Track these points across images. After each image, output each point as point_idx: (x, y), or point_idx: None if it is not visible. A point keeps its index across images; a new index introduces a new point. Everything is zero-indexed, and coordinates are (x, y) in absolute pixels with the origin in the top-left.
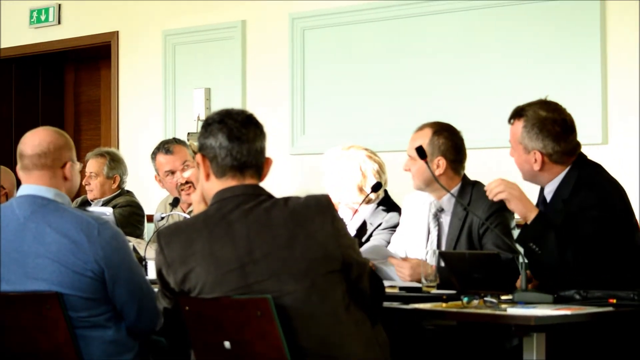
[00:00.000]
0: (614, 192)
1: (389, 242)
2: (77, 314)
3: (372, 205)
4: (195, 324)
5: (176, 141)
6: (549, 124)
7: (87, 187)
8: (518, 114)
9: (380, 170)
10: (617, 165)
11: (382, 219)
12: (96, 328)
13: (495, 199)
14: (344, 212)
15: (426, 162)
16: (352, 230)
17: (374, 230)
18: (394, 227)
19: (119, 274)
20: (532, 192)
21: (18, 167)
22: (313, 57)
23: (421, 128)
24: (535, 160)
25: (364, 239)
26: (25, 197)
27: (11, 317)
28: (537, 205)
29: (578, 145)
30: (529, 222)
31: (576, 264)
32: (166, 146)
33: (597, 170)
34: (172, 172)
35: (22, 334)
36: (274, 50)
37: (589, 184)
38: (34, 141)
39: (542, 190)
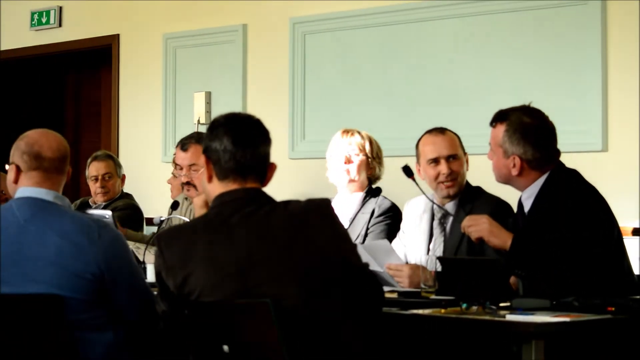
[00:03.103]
0: (593, 199)
1: (385, 235)
2: (75, 317)
3: (360, 195)
4: (194, 328)
5: (197, 140)
6: (532, 131)
7: (101, 190)
8: (501, 117)
9: (381, 153)
10: (618, 173)
11: (374, 205)
12: (94, 331)
13: (473, 237)
14: (340, 198)
15: (413, 180)
16: (344, 220)
17: (370, 218)
18: (387, 213)
19: (120, 276)
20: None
21: (30, 167)
22: (313, 61)
23: (443, 130)
24: (514, 165)
25: (362, 230)
26: (26, 200)
27: (9, 320)
28: (516, 213)
29: (558, 153)
30: (507, 250)
31: (563, 275)
32: (183, 141)
33: (574, 178)
34: (181, 168)
35: (21, 337)
36: (275, 54)
37: (568, 193)
38: (52, 144)
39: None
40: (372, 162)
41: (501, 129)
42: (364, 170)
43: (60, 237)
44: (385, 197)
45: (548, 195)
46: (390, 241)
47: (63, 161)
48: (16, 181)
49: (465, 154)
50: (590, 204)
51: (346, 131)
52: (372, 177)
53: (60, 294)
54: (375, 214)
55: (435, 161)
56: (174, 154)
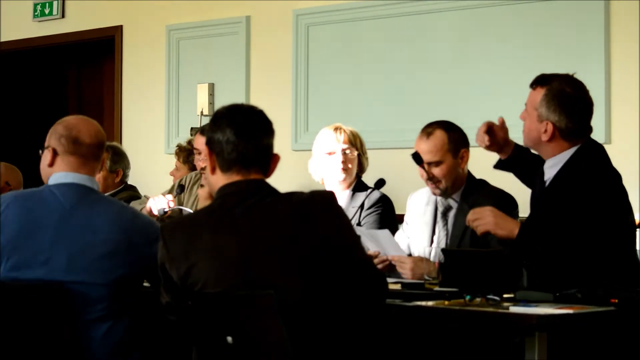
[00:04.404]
0: (614, 184)
1: (379, 225)
2: (97, 307)
3: (348, 192)
4: (197, 319)
5: None
6: (570, 100)
7: None
8: (542, 81)
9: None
10: (620, 165)
11: (364, 197)
12: (108, 321)
13: (479, 231)
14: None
15: (427, 164)
16: None
17: (360, 211)
18: (377, 203)
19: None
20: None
21: (66, 150)
22: (317, 53)
23: (431, 133)
24: (546, 130)
25: (353, 223)
26: (69, 186)
27: (17, 308)
28: (535, 181)
29: (590, 129)
30: (514, 238)
31: (569, 264)
32: (204, 127)
33: (600, 159)
34: (199, 153)
35: (30, 325)
36: (278, 46)
37: (590, 175)
38: (91, 130)
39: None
40: (362, 157)
41: (540, 92)
42: (356, 166)
43: (110, 224)
44: (375, 190)
45: (571, 174)
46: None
47: (99, 148)
48: (51, 164)
49: (462, 150)
50: (610, 189)
51: (336, 128)
52: (360, 172)
53: (99, 282)
54: (366, 205)
55: None
56: (177, 146)
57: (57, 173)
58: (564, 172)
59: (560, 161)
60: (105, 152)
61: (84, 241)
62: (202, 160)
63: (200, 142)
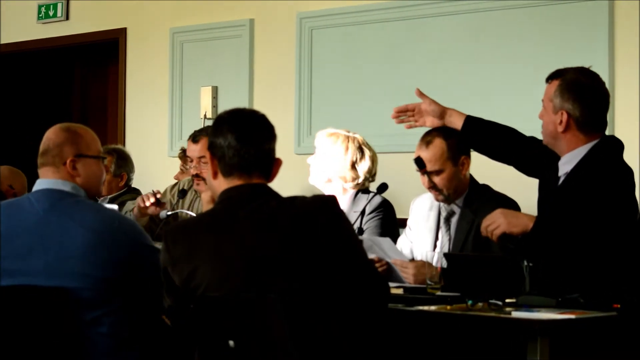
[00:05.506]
0: (625, 187)
1: (380, 230)
2: (90, 311)
3: (351, 193)
4: (199, 323)
5: (208, 133)
6: (585, 90)
7: None
8: (558, 74)
9: (375, 158)
10: None
11: (366, 201)
12: (105, 324)
13: (495, 235)
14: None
15: (427, 173)
16: None
17: (362, 216)
18: (379, 208)
19: (144, 259)
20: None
21: (39, 164)
22: (320, 56)
23: (430, 141)
24: (561, 121)
25: (356, 227)
26: (43, 192)
27: (16, 313)
28: (549, 177)
29: (605, 123)
30: (528, 232)
31: (574, 267)
32: (195, 133)
33: (615, 158)
34: (191, 160)
35: (28, 330)
36: (282, 49)
37: (604, 176)
38: (43, 139)
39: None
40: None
41: (555, 83)
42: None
43: (83, 228)
44: (377, 195)
45: (584, 174)
46: (386, 235)
47: (46, 154)
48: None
49: (462, 157)
50: (621, 192)
51: (332, 134)
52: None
53: (82, 286)
54: (367, 211)
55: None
56: (181, 149)
57: (37, 180)
58: (578, 171)
59: (575, 157)
60: (109, 156)
61: (58, 246)
62: (194, 167)
63: (192, 149)
